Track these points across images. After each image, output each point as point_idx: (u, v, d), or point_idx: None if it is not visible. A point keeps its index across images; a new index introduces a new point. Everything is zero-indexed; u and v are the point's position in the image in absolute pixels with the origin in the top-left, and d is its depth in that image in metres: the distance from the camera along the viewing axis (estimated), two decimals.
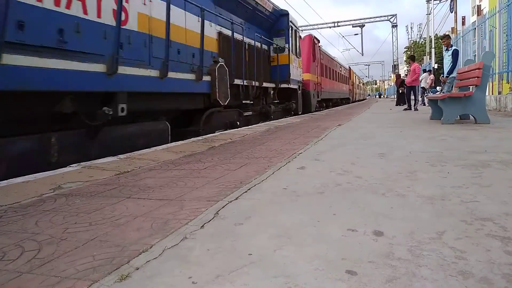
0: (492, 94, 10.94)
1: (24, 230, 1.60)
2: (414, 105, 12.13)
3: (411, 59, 13.34)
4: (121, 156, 3.64)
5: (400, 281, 1.04)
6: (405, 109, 11.73)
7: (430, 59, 23.56)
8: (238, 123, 7.94)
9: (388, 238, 1.36)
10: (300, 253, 1.26)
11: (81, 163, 3.27)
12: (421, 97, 15.23)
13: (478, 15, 12.63)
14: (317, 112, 14.12)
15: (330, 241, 1.35)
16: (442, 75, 7.92)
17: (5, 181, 2.59)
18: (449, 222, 1.51)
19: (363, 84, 68.38)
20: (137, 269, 1.18)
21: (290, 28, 11.11)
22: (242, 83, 7.95)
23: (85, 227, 1.61)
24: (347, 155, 3.29)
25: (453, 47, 7.73)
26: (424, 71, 17.69)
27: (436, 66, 20.50)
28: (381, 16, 36.64)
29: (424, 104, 14.25)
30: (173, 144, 4.61)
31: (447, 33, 9.66)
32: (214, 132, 6.39)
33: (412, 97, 12.45)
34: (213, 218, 1.65)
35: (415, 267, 1.12)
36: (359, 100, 39.40)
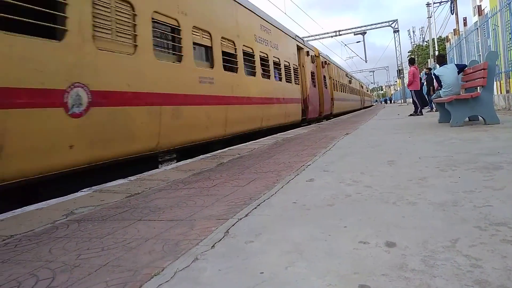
0: (500, 93, 10.83)
1: (38, 258, 1.62)
2: (416, 111, 11.84)
3: (410, 62, 13.23)
4: (131, 178, 3.67)
5: None
6: (410, 115, 11.58)
7: (434, 62, 23.46)
8: None
9: (400, 249, 1.34)
10: (312, 269, 1.25)
11: (93, 187, 3.31)
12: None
13: (479, 15, 12.57)
14: (324, 122, 14.11)
15: (342, 255, 1.34)
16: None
17: (19, 209, 2.64)
18: (463, 229, 1.49)
19: (368, 89, 63.52)
20: None
21: None
22: None
23: (98, 252, 1.62)
24: (356, 165, 3.27)
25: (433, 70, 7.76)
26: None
27: None
28: (382, 22, 36.80)
29: (432, 109, 14.00)
30: (182, 162, 4.64)
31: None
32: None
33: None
34: (223, 237, 1.65)
35: (430, 278, 1.10)
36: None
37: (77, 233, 1.96)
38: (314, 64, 15.07)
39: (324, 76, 16.54)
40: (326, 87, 16.71)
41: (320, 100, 15.17)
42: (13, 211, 2.60)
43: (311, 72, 14.38)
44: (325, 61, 17.14)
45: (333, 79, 19.03)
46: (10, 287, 1.34)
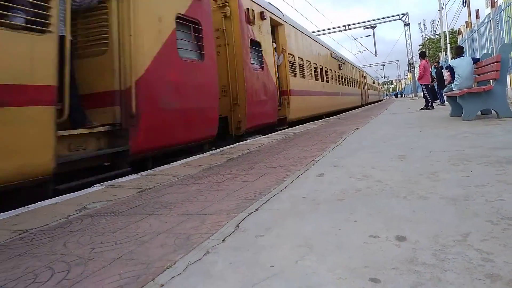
0: None
1: (53, 252, 1.66)
2: (427, 105, 11.73)
3: (421, 56, 13.07)
4: (143, 173, 3.72)
5: (425, 287, 1.02)
6: (421, 109, 11.47)
7: (446, 55, 23.10)
8: None
9: (411, 243, 1.34)
10: (322, 263, 1.25)
11: (104, 182, 3.36)
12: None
13: (492, 7, 12.32)
14: (334, 117, 14.03)
15: (352, 249, 1.35)
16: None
17: (34, 204, 2.69)
18: (474, 223, 1.48)
19: (374, 81, 50.24)
20: (162, 286, 1.20)
21: None
22: None
23: (111, 246, 1.65)
24: (366, 159, 3.26)
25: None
26: (441, 67, 17.29)
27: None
28: (392, 16, 36.31)
29: (443, 102, 13.79)
30: (192, 158, 4.68)
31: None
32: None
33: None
34: (234, 231, 1.67)
35: (440, 272, 1.10)
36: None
37: (90, 227, 2.00)
38: (206, 4, 5.77)
39: (259, 44, 8.21)
40: (262, 67, 8.26)
41: (237, 95, 7.16)
42: (27, 206, 2.66)
43: (186, 19, 5.14)
44: (261, 12, 8.36)
45: (293, 56, 10.75)
46: (27, 279, 1.37)
